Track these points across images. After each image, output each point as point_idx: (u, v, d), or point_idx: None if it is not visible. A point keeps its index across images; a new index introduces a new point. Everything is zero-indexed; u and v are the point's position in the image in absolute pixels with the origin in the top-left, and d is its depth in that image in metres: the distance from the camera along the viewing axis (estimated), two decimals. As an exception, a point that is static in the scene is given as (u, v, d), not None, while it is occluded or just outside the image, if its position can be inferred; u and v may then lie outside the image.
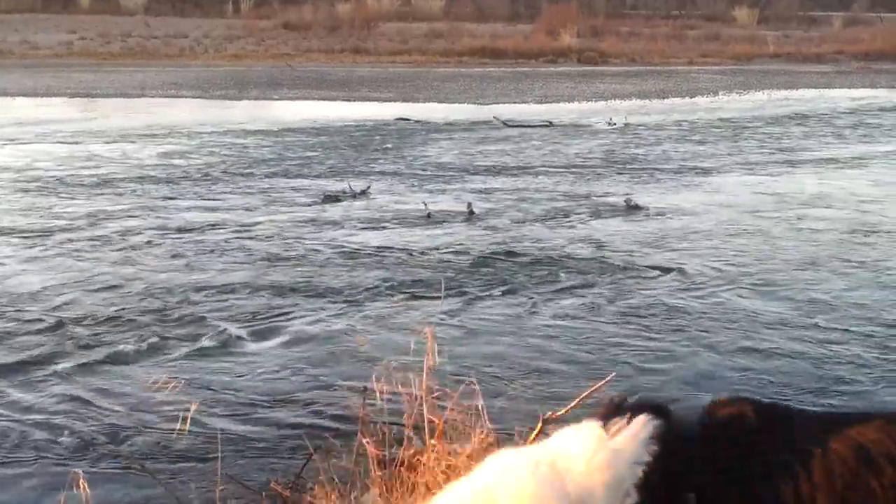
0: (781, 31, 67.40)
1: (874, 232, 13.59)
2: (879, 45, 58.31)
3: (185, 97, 33.80)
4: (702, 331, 9.23)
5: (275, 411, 7.36)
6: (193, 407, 5.23)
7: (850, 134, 25.43)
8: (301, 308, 9.89)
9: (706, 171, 19.09)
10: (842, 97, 36.18)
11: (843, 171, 19.12)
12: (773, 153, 21.77)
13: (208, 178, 17.68)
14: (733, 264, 11.73)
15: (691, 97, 35.98)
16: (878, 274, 11.36)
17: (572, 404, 4.97)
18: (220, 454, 5.53)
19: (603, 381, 5.00)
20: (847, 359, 8.49)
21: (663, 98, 35.42)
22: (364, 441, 5.28)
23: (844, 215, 14.72)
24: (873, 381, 7.99)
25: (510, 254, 12.14)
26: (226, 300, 10.15)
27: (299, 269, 11.43)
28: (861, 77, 46.98)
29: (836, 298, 10.32)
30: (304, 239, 12.98)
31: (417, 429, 5.40)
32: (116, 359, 8.42)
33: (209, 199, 15.76)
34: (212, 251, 12.24)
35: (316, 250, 12.33)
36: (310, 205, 15.39)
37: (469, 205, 14.96)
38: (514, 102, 33.29)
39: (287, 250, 12.31)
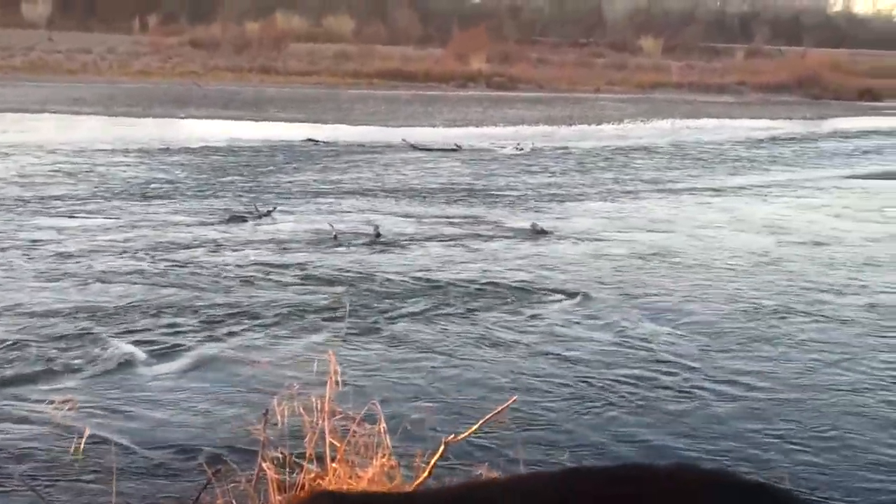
0: (686, 62, 69.02)
1: (770, 262, 13.92)
2: (779, 77, 60.09)
3: (88, 114, 33.16)
4: (602, 357, 9.33)
5: (173, 434, 7.21)
6: (87, 432, 5.10)
7: (749, 163, 26.11)
8: (203, 329, 9.73)
9: (613, 197, 19.38)
10: (743, 127, 37.16)
11: (748, 198, 19.60)
12: (677, 180, 22.21)
13: (109, 197, 17.31)
14: (635, 289, 11.89)
15: (598, 124, 36.55)
16: (755, 304, 11.63)
17: (474, 427, 4.98)
18: (114, 476, 5.40)
19: (504, 405, 5.02)
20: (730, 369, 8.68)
21: (570, 124, 35.92)
22: (264, 465, 5.21)
23: (737, 244, 15.05)
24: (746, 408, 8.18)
25: (416, 277, 12.13)
26: (126, 321, 9.93)
27: (202, 290, 11.25)
28: (761, 108, 48.33)
29: (829, 320, 10.59)
30: (209, 260, 12.79)
31: (319, 452, 5.34)
32: (9, 381, 8.16)
33: (110, 219, 15.43)
34: (113, 272, 11.97)
35: (220, 271, 12.14)
36: (215, 225, 15.19)
37: (376, 227, 14.93)
38: (424, 125, 33.42)
39: (191, 271, 12.10)
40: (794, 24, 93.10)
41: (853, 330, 10.38)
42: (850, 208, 18.76)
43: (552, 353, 9.34)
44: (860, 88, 59.40)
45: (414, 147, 26.40)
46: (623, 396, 8.19)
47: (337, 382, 5.27)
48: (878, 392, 8.42)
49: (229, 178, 20.07)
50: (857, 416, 7.83)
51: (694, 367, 8.96)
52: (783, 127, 38.40)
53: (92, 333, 9.47)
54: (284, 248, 13.67)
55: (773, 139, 32.88)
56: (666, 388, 8.41)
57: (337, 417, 5.29)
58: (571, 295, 11.47)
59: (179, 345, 9.25)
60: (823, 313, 10.99)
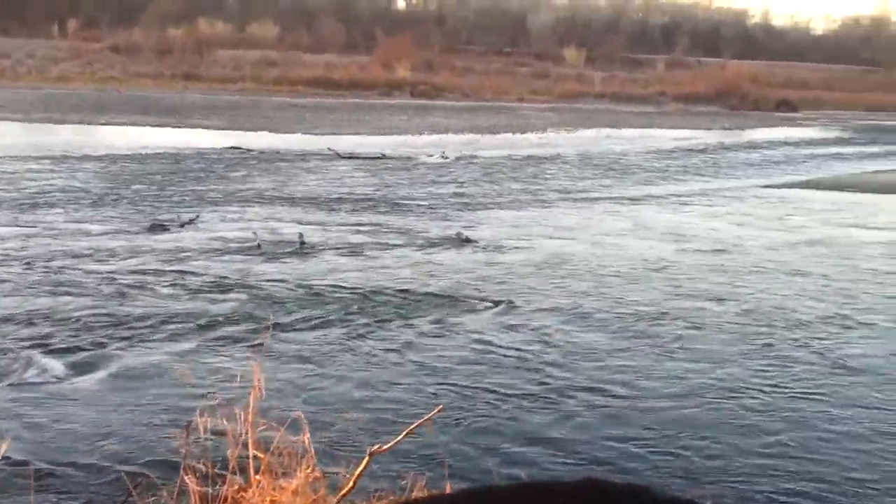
0: (608, 72, 69.94)
1: (661, 270, 14.15)
2: (698, 88, 61.28)
3: (5, 120, 32.44)
4: (527, 363, 9.38)
5: (93, 446, 7.05)
6: (5, 445, 4.98)
7: (666, 173, 26.55)
8: (124, 340, 9.55)
9: (536, 205, 19.53)
10: (663, 137, 37.79)
11: (660, 207, 19.90)
12: (609, 188, 22.49)
13: (24, 205, 16.95)
14: (558, 296, 11.98)
15: (522, 133, 36.86)
16: (733, 300, 11.82)
17: (399, 438, 4.97)
18: (32, 491, 5.28)
19: (429, 415, 5.01)
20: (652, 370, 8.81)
21: (495, 133, 36.16)
22: (186, 478, 5.13)
23: (691, 247, 15.27)
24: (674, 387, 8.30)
25: (341, 286, 12.07)
26: (44, 332, 9.71)
27: (123, 300, 11.05)
28: (681, 118, 49.16)
29: (705, 325, 10.70)
30: (129, 269, 12.57)
31: (242, 464, 5.28)
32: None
33: (26, 227, 15.09)
34: (30, 281, 11.71)
35: (141, 281, 11.95)
36: (136, 233, 14.96)
37: (300, 236, 14.85)
38: (349, 134, 33.35)
39: (111, 281, 11.88)
40: (714, 36, 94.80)
41: (723, 336, 10.47)
42: (754, 217, 19.14)
43: (478, 361, 9.36)
44: (777, 99, 60.81)
45: (339, 155, 26.33)
46: (550, 402, 8.24)
47: (260, 393, 5.21)
48: (741, 398, 8.46)
49: (150, 186, 19.78)
50: (719, 423, 7.87)
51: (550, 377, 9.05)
52: (702, 137, 39.12)
53: (6, 344, 9.24)
54: (207, 257, 13.51)
55: (692, 149, 33.47)
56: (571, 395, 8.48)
57: (260, 428, 5.23)
58: (496, 302, 11.53)
59: (98, 356, 9.06)
60: (700, 319, 11.11)
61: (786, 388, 8.79)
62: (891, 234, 17.71)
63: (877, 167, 30.22)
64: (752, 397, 8.47)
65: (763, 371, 9.26)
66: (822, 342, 10.35)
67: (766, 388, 8.72)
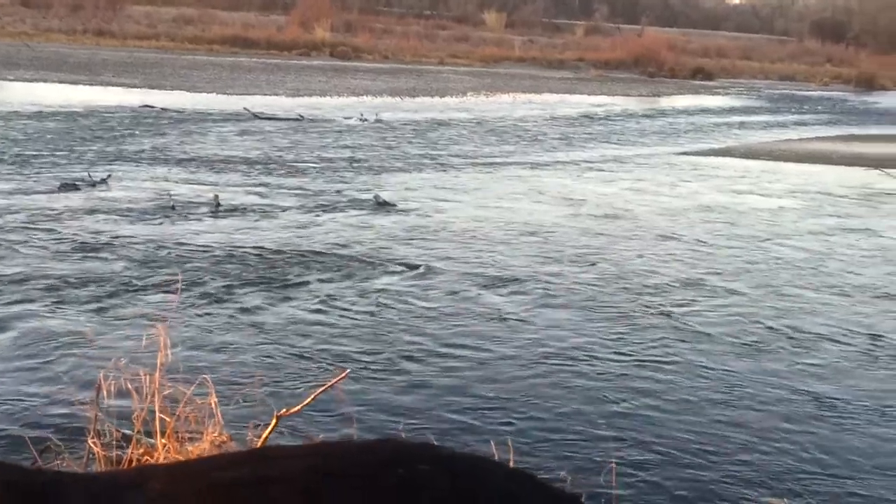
0: (527, 37, 70.11)
1: (535, 233, 14.32)
2: (617, 54, 61.77)
3: None
4: (443, 328, 9.42)
5: (-5, 414, 6.91)
6: None
7: (585, 138, 26.78)
8: (29, 302, 9.34)
9: (455, 169, 19.55)
10: (582, 103, 38.05)
11: (599, 173, 20.07)
12: (517, 153, 22.59)
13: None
14: (477, 261, 12.04)
15: (441, 96, 36.79)
16: (604, 264, 11.97)
17: (306, 401, 4.96)
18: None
19: (336, 379, 5.01)
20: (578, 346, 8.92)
21: (414, 96, 36.03)
22: (91, 442, 5.06)
23: (583, 212, 15.43)
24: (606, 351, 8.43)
25: (255, 248, 11.96)
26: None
27: (30, 260, 10.80)
28: (599, 84, 49.53)
29: (570, 291, 10.80)
30: (38, 229, 12.28)
31: (148, 428, 5.22)
32: None
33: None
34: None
35: (50, 241, 11.69)
36: (45, 193, 14.61)
37: (215, 197, 14.66)
38: (265, 94, 32.93)
39: (19, 241, 11.60)
40: (633, 3, 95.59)
41: (583, 302, 10.45)
42: (655, 183, 19.22)
43: (390, 324, 9.37)
44: (694, 67, 61.60)
45: (256, 116, 26.00)
46: (455, 366, 8.29)
47: (167, 356, 5.16)
48: (585, 365, 8.47)
49: (60, 144, 19.31)
50: (558, 388, 7.88)
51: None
52: (619, 103, 39.48)
53: None
54: (119, 218, 13.27)
55: (608, 115, 33.77)
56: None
57: (167, 392, 5.18)
58: (412, 266, 11.53)
59: (2, 318, 8.86)
60: (564, 284, 11.12)
61: (632, 355, 8.82)
62: (783, 200, 18.07)
63: (789, 135, 30.86)
64: (595, 365, 8.48)
65: (613, 338, 9.28)
66: (680, 308, 10.42)
67: (613, 356, 8.73)
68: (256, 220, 13.69)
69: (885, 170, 21.94)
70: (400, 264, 11.61)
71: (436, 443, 5.08)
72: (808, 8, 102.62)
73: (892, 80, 65.30)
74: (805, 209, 17.24)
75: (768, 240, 14.38)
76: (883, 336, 9.86)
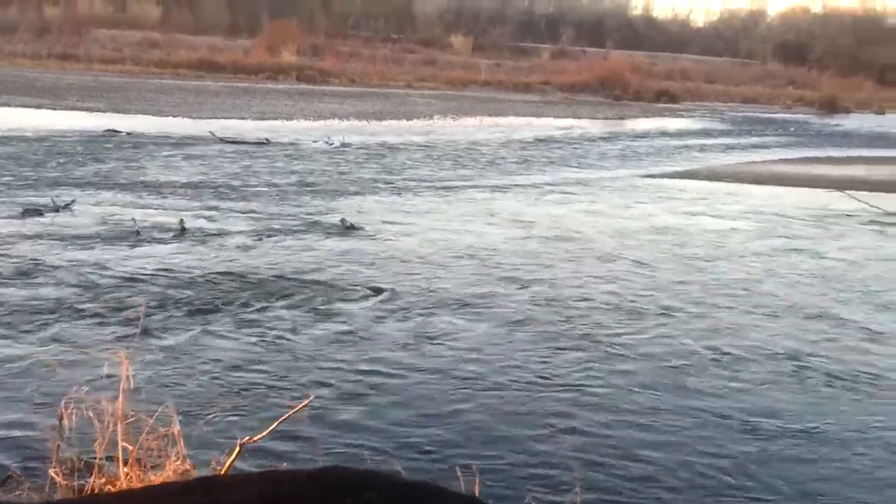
0: (494, 60, 70.38)
1: (489, 253, 14.40)
2: (583, 77, 62.12)
3: None
4: (409, 353, 9.43)
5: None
6: None
7: (545, 162, 26.91)
8: (-9, 329, 9.27)
9: (413, 193, 19.58)
10: (547, 126, 38.24)
11: (557, 196, 20.16)
12: (476, 177, 22.65)
13: None
14: (442, 286, 12.07)
15: (408, 120, 36.86)
16: (540, 286, 12.03)
17: (270, 428, 4.96)
18: None
19: (300, 406, 5.01)
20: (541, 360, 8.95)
21: (381, 120, 36.08)
22: (52, 471, 5.03)
23: (533, 234, 15.49)
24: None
25: (221, 273, 11.93)
26: None
27: (-8, 287, 10.72)
28: (565, 107, 49.82)
29: (500, 313, 10.85)
30: (0, 255, 12.19)
31: (111, 457, 5.20)
32: None
33: None
34: None
35: (11, 267, 11.60)
36: (7, 219, 14.50)
37: (181, 221, 14.61)
38: (232, 118, 32.86)
39: (-21, 267, 11.51)
40: (598, 27, 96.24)
41: (510, 324, 10.48)
42: (612, 206, 19.31)
43: (354, 349, 9.37)
44: (659, 90, 62.08)
45: (222, 140, 25.94)
46: (419, 392, 8.30)
47: (129, 384, 5.13)
48: (509, 390, 8.49)
49: (23, 170, 19.16)
50: (486, 416, 7.88)
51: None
52: (585, 126, 39.70)
53: None
54: (83, 242, 13.19)
55: (573, 139, 33.91)
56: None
57: (129, 420, 5.16)
58: (378, 291, 11.54)
59: (-35, 346, 8.77)
60: (497, 306, 11.18)
61: (553, 377, 8.86)
62: (736, 222, 18.24)
63: (752, 158, 31.14)
64: (518, 389, 8.51)
65: (538, 361, 9.32)
66: (607, 329, 10.49)
67: (534, 379, 8.77)
68: (222, 245, 13.65)
69: (849, 192, 22.20)
70: (364, 288, 11.62)
71: (400, 470, 5.10)
72: (772, 30, 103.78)
73: (853, 102, 66.19)
74: (756, 231, 17.41)
75: (711, 261, 14.51)
76: (807, 356, 9.96)
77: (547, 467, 6.80)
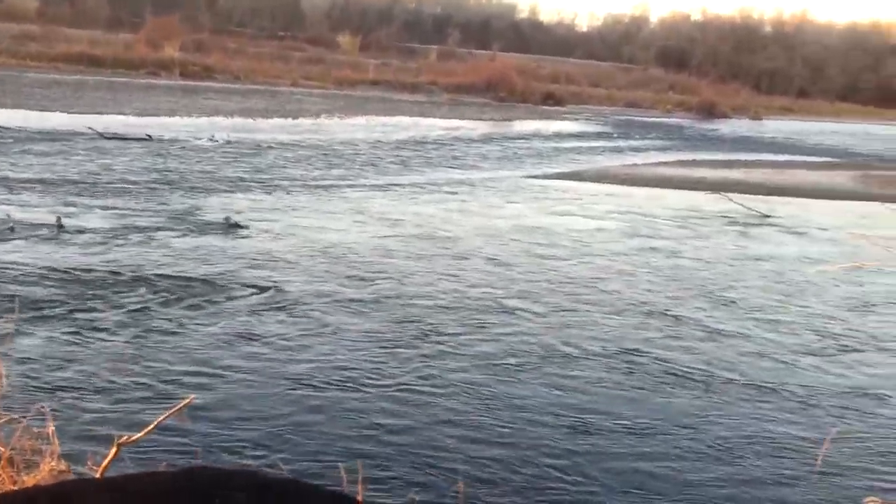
0: (382, 60, 70.29)
1: (344, 252, 14.49)
2: (469, 79, 62.47)
3: None
4: (293, 348, 9.38)
5: None
6: None
7: (424, 162, 27.01)
8: None
9: (307, 191, 19.45)
10: (432, 126, 38.38)
11: (432, 196, 20.24)
12: (363, 177, 22.62)
13: None
14: (327, 282, 12.02)
15: (294, 118, 36.56)
16: (386, 282, 12.11)
17: (149, 428, 4.86)
18: None
19: (180, 405, 4.93)
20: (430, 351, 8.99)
21: (267, 117, 35.70)
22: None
23: (397, 232, 15.56)
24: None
25: (101, 270, 11.65)
26: None
27: None
28: (452, 108, 50.08)
29: (343, 310, 10.89)
30: None
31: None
32: None
33: None
34: None
35: None
36: None
37: (58, 218, 14.21)
38: (112, 113, 32.07)
39: None
40: (485, 28, 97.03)
41: (356, 322, 10.52)
42: (486, 205, 19.53)
43: (237, 348, 9.27)
44: (544, 93, 62.89)
45: (101, 136, 25.31)
46: (305, 392, 8.25)
47: (1, 384, 4.97)
48: (341, 388, 8.51)
49: None
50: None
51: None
52: (471, 127, 39.97)
53: None
54: (-47, 241, 12.73)
55: (458, 139, 34.11)
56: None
57: (2, 421, 5.00)
58: (263, 289, 11.44)
59: None
60: (352, 304, 11.19)
61: (384, 377, 8.88)
62: (605, 222, 18.67)
63: (634, 160, 31.82)
64: (347, 389, 8.47)
65: (369, 360, 9.31)
66: (448, 328, 10.57)
67: (364, 380, 8.76)
68: (101, 243, 13.32)
69: (726, 194, 22.85)
70: (252, 287, 11.51)
71: (268, 469, 5.06)
72: (654, 35, 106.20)
73: (731, 107, 68.29)
74: (620, 231, 17.79)
75: (566, 260, 14.75)
76: (642, 354, 10.19)
77: (376, 469, 6.71)
